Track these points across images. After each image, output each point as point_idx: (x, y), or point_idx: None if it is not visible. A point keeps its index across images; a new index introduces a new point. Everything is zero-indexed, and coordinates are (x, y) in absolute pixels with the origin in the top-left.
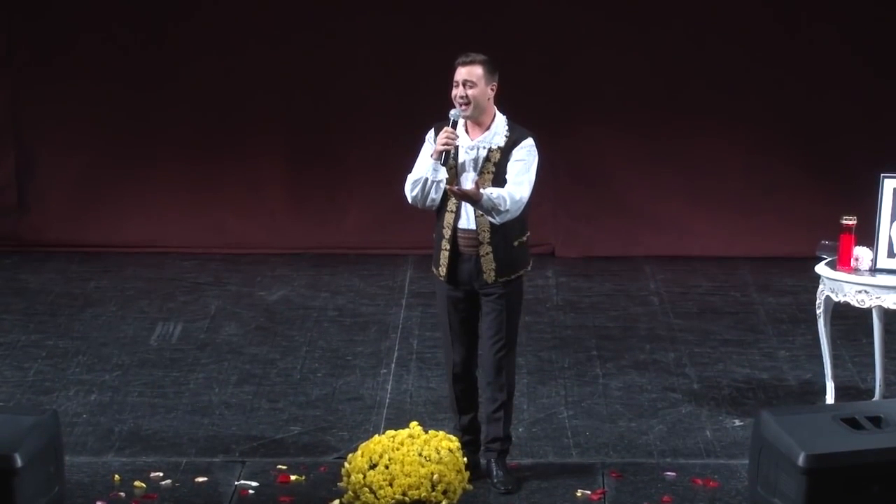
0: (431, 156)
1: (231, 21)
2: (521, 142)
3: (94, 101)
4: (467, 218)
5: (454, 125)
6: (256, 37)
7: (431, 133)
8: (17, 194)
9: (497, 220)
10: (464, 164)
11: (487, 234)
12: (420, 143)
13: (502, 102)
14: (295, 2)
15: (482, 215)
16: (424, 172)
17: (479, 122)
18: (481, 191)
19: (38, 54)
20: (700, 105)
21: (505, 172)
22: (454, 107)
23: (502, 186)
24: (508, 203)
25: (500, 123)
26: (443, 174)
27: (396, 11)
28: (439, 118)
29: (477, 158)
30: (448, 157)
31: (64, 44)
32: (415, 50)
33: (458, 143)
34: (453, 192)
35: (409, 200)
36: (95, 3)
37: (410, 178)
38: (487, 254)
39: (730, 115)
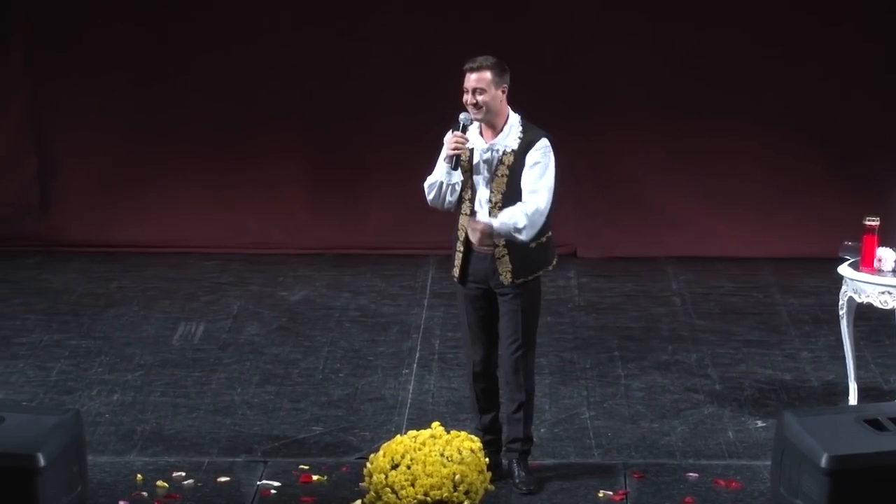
0: (444, 160)
1: (251, 19)
2: (534, 143)
3: (114, 100)
4: (483, 217)
5: (464, 129)
6: (277, 35)
7: (449, 135)
8: (40, 194)
9: (523, 238)
10: (478, 166)
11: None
12: (440, 142)
13: (521, 102)
14: None
15: (495, 213)
16: (440, 176)
17: (493, 124)
18: (490, 221)
19: (59, 54)
20: (720, 105)
21: (519, 175)
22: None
23: (517, 189)
24: (526, 219)
25: (514, 124)
26: (457, 177)
27: (415, 9)
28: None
29: (491, 161)
30: (459, 161)
31: (84, 43)
32: (434, 48)
33: (471, 147)
34: (469, 238)
35: (429, 202)
36: (114, 1)
37: (428, 181)
38: (503, 256)
39: (750, 115)
